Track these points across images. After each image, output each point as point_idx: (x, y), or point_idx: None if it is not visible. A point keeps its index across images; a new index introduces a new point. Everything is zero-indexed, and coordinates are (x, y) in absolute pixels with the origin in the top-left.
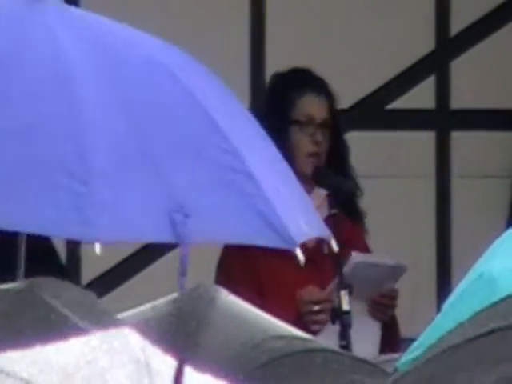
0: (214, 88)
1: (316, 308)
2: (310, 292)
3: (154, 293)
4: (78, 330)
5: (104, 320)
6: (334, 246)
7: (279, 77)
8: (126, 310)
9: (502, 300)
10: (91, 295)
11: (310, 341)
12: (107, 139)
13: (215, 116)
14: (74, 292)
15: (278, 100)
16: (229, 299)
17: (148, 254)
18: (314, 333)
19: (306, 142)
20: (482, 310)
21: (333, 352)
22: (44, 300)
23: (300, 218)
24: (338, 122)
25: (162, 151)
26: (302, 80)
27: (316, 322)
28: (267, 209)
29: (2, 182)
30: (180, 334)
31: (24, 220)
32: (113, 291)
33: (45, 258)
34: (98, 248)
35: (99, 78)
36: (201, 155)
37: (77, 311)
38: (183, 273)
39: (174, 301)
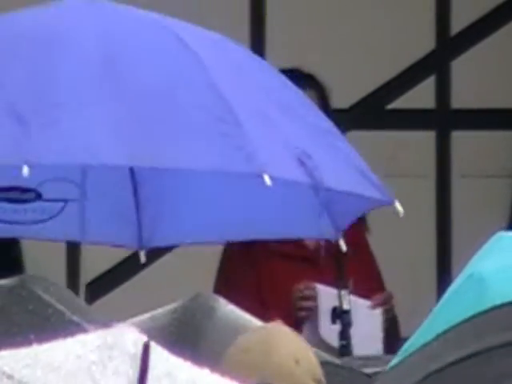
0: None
1: (302, 294)
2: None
3: (154, 293)
4: (74, 325)
5: (90, 315)
6: (343, 247)
7: None
8: (125, 309)
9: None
10: (70, 291)
11: None
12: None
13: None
14: (59, 287)
15: None
16: (228, 309)
17: (147, 254)
18: (301, 319)
19: None
20: (464, 321)
21: (333, 365)
22: (38, 295)
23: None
24: (332, 116)
25: (272, 113)
26: (289, 77)
27: (302, 309)
28: (362, 165)
29: (168, 133)
30: (179, 345)
31: (192, 161)
32: (113, 291)
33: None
34: (268, 180)
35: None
36: (303, 119)
37: (68, 306)
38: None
39: (174, 311)
